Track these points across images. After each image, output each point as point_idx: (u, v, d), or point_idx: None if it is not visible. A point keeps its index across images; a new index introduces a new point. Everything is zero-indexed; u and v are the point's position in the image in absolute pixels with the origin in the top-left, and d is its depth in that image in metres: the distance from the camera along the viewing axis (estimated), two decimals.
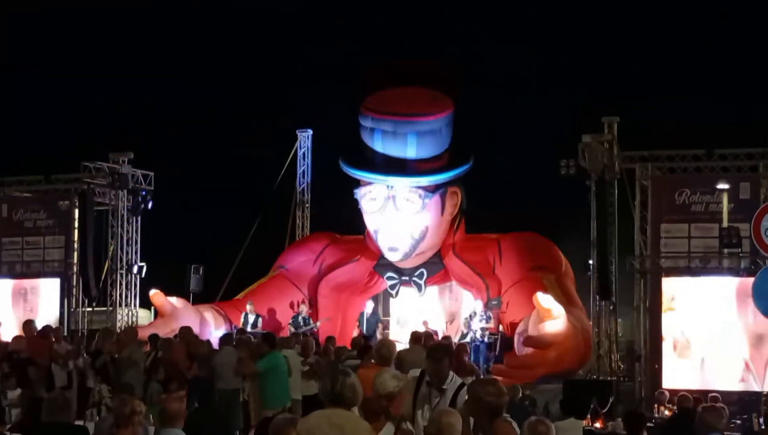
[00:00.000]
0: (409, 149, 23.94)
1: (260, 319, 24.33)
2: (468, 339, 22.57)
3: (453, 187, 24.68)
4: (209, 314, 24.36)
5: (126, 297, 25.69)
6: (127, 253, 25.67)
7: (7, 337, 21.15)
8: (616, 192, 21.95)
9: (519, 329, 22.02)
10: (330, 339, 18.85)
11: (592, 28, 31.21)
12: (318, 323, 24.66)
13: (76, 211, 24.96)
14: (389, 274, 25.32)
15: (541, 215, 26.83)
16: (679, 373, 20.82)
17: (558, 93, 30.66)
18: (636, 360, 21.80)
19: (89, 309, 25.42)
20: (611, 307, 22.07)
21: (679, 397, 15.78)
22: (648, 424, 12.16)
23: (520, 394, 15.19)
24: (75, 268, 25.02)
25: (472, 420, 7.52)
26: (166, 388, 13.96)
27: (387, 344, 11.40)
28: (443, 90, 24.56)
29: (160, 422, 8.21)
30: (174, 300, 23.99)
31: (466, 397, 7.81)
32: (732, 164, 21.54)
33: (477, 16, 32.49)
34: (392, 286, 25.48)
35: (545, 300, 20.61)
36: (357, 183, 24.80)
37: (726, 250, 20.75)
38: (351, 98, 25.05)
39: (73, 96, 31.93)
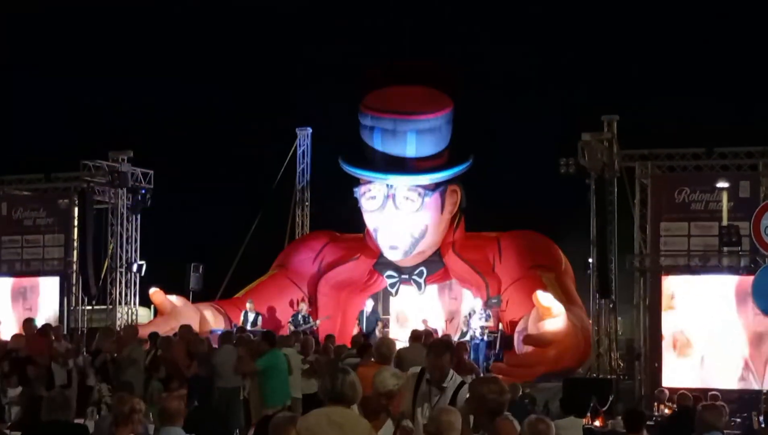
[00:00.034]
0: (409, 147, 23.93)
1: (260, 318, 24.34)
2: (467, 337, 22.57)
3: (453, 185, 24.67)
4: (209, 313, 24.37)
5: (126, 295, 25.68)
6: (127, 251, 25.66)
7: (7, 336, 21.19)
8: (616, 190, 21.95)
9: (519, 327, 22.03)
10: (329, 337, 18.88)
11: (592, 27, 31.21)
12: (318, 322, 24.66)
13: (76, 210, 24.95)
14: (389, 272, 25.32)
15: (540, 214, 26.84)
16: (678, 371, 20.83)
17: (558, 91, 30.68)
18: (636, 358, 21.80)
19: (89, 307, 25.43)
20: (611, 306, 22.07)
21: (678, 395, 15.80)
22: (648, 423, 12.16)
23: (520, 393, 15.19)
24: (75, 267, 25.01)
25: (472, 418, 7.53)
26: (167, 386, 13.97)
27: (387, 343, 11.40)
28: (443, 89, 24.57)
29: (160, 421, 8.21)
30: (174, 298, 23.99)
31: (467, 396, 7.81)
32: (732, 163, 21.54)
33: (477, 16, 32.49)
34: (392, 285, 25.48)
35: (545, 298, 20.62)
36: (356, 181, 24.79)
37: (726, 249, 20.75)
38: (351, 97, 25.05)
39: (72, 96, 31.95)
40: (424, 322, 24.22)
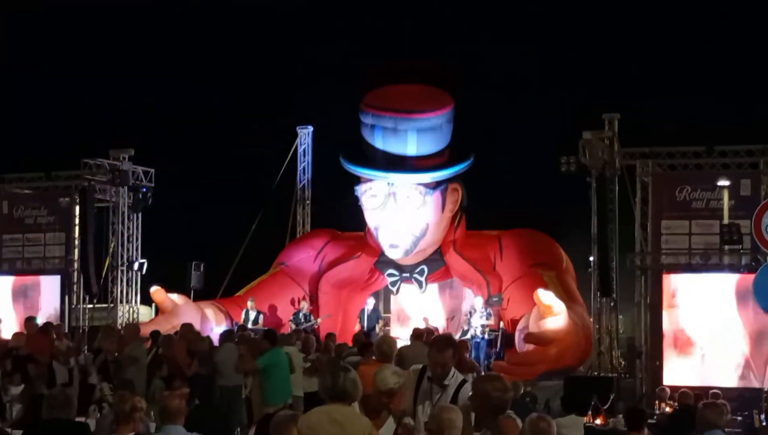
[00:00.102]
0: (410, 146, 23.92)
1: (261, 316, 24.34)
2: (468, 336, 22.57)
3: (453, 183, 24.65)
4: (210, 311, 24.37)
5: (127, 294, 25.69)
6: (128, 249, 25.67)
7: (8, 335, 21.20)
8: (617, 189, 21.96)
9: (520, 326, 22.02)
10: (330, 336, 18.88)
11: (592, 26, 31.22)
12: (319, 320, 24.66)
13: (77, 208, 24.97)
14: (390, 270, 25.31)
15: (541, 212, 26.83)
16: (679, 369, 20.84)
17: (558, 90, 30.67)
18: (637, 357, 21.81)
19: (90, 306, 25.44)
20: (612, 304, 22.08)
21: (679, 393, 15.80)
22: (649, 421, 12.15)
23: (522, 391, 15.18)
24: (76, 265, 25.03)
25: (473, 416, 7.53)
26: (170, 385, 13.93)
27: (388, 341, 11.40)
28: (444, 87, 24.57)
29: (161, 419, 8.21)
30: (175, 297, 23.99)
31: (469, 393, 7.81)
32: (732, 161, 21.54)
33: (477, 16, 32.47)
34: (393, 283, 25.47)
35: (546, 297, 20.60)
36: (357, 180, 24.78)
37: (726, 247, 20.76)
38: (351, 96, 25.04)
39: (73, 95, 31.97)
40: (425, 320, 24.24)
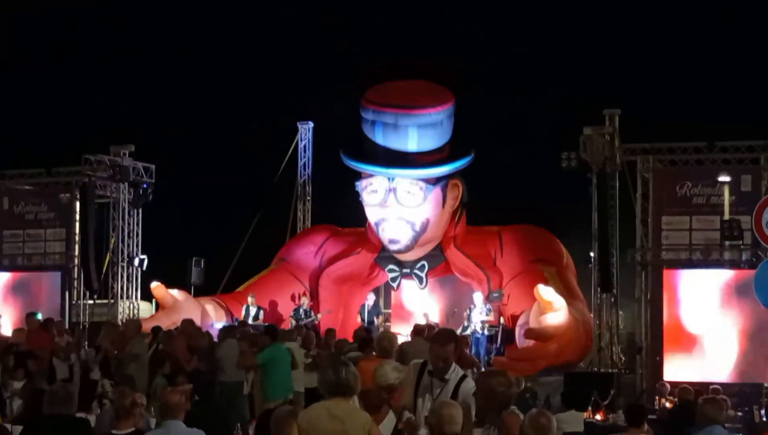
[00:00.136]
0: (410, 142, 23.92)
1: (261, 312, 24.35)
2: (468, 332, 22.57)
3: (454, 179, 24.65)
4: (210, 307, 24.38)
5: (127, 289, 25.71)
6: (129, 245, 25.68)
7: (8, 330, 21.20)
8: (618, 184, 21.97)
9: (520, 322, 22.03)
10: (329, 331, 18.87)
11: (593, 21, 31.18)
12: (319, 315, 24.67)
13: (77, 204, 24.98)
14: (390, 266, 25.32)
15: (542, 208, 26.80)
16: (680, 365, 20.85)
17: (559, 86, 30.62)
18: (637, 352, 21.82)
19: (90, 302, 25.46)
20: (612, 300, 22.10)
21: (680, 389, 15.77)
22: (649, 417, 12.15)
23: (522, 387, 15.19)
24: (76, 261, 25.05)
25: (474, 411, 7.54)
26: (172, 381, 13.93)
27: (388, 336, 11.41)
28: (444, 83, 24.58)
29: (161, 414, 8.21)
30: (175, 292, 23.99)
31: (470, 388, 7.82)
32: (733, 157, 21.54)
33: (477, 15, 32.42)
34: (393, 279, 25.47)
35: (546, 292, 20.60)
36: (358, 175, 24.77)
37: (727, 243, 20.77)
38: (352, 93, 25.03)
39: (73, 93, 31.93)
40: (426, 316, 24.24)
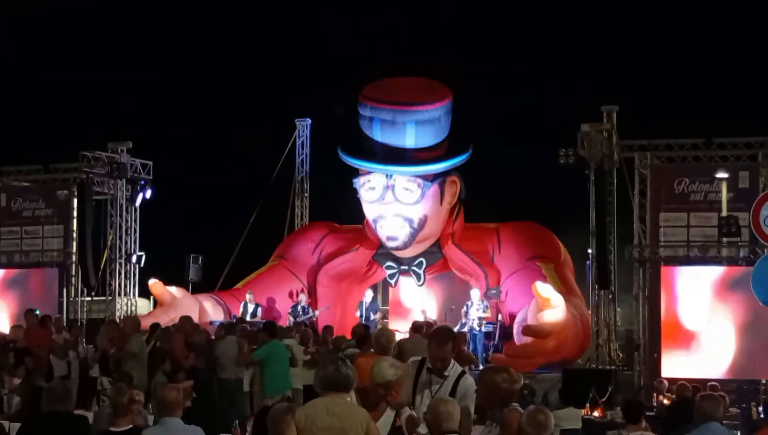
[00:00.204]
0: (408, 138, 23.88)
1: (259, 309, 24.36)
2: (466, 329, 22.57)
3: (452, 176, 24.63)
4: (208, 303, 24.38)
5: (125, 286, 25.70)
6: (126, 242, 25.68)
7: (5, 327, 21.18)
8: (615, 181, 21.96)
9: (518, 318, 22.02)
10: (327, 328, 18.88)
11: (591, 18, 31.18)
12: (317, 312, 24.68)
13: (75, 201, 24.95)
14: (388, 263, 25.31)
15: (540, 204, 26.82)
16: (677, 362, 20.85)
17: (557, 82, 30.63)
18: (635, 349, 21.81)
19: (88, 298, 25.45)
20: (610, 296, 22.08)
21: (677, 385, 15.79)
22: (647, 413, 12.17)
23: (521, 383, 15.18)
24: (74, 258, 25.02)
25: (472, 407, 7.54)
26: (173, 378, 13.92)
27: (386, 333, 11.41)
28: (442, 80, 24.56)
29: (158, 411, 8.21)
30: (173, 289, 23.98)
31: (467, 384, 7.82)
32: (731, 153, 21.54)
33: (477, 14, 32.42)
34: (391, 276, 25.47)
35: (544, 289, 20.59)
36: (356, 172, 24.76)
37: (725, 239, 20.77)
38: (350, 90, 25.01)
39: (71, 91, 31.93)
40: (423, 312, 24.24)
